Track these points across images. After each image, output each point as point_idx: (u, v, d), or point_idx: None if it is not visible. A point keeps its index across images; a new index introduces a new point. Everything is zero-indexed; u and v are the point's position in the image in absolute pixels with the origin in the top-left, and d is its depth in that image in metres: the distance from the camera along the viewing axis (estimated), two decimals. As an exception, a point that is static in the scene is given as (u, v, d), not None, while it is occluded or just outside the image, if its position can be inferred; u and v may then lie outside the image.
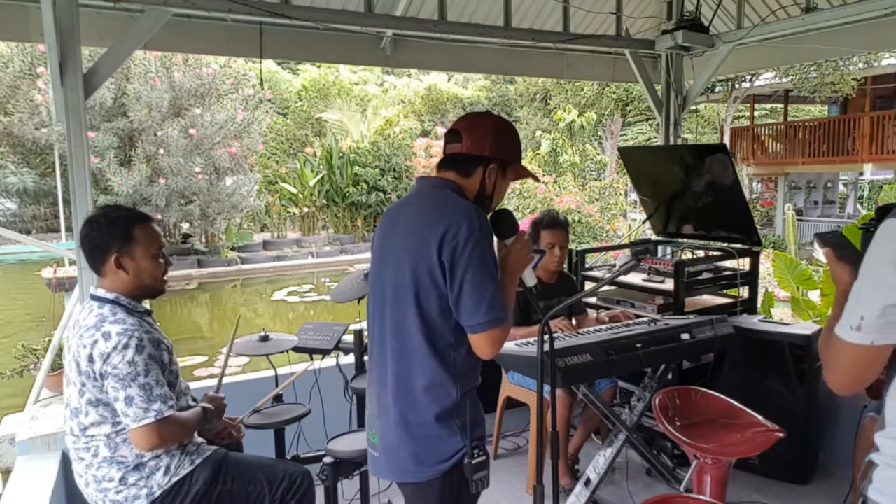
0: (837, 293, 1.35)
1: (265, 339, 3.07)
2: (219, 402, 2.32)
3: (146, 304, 2.21)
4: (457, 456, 1.69)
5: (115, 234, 2.03)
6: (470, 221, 1.62)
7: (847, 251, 1.36)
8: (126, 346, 1.93)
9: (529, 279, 1.83)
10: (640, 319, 3.16)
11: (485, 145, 1.77)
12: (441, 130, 19.89)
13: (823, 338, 1.30)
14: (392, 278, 1.73)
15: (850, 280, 1.29)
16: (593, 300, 3.91)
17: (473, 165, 1.77)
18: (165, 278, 2.17)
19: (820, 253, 8.23)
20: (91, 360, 1.94)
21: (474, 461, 1.67)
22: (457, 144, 1.79)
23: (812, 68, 15.12)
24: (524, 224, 4.86)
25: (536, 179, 2.14)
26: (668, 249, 4.50)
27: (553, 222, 3.38)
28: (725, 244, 3.98)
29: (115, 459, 2.01)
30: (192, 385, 2.95)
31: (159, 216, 14.59)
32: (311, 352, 3.26)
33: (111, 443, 2.01)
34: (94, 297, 2.07)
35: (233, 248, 15.90)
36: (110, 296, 2.04)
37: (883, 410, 1.27)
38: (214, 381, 2.87)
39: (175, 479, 2.05)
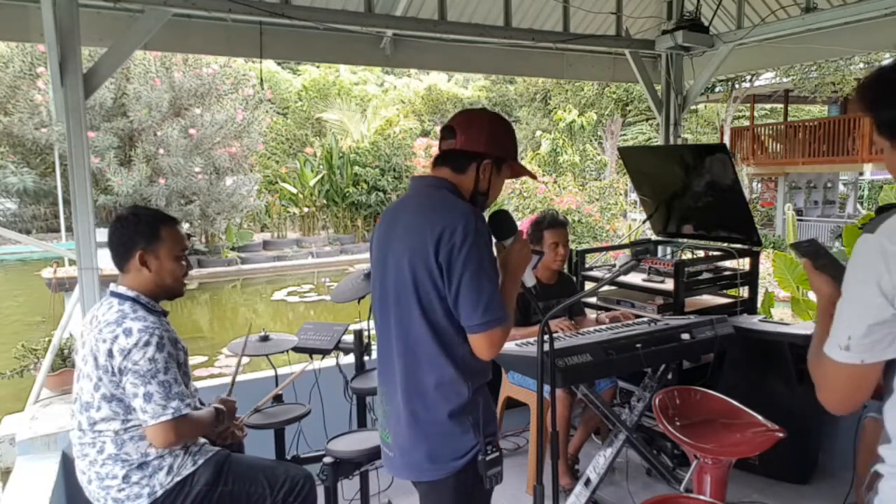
0: (819, 306, 1.32)
1: (265, 339, 3.07)
2: (231, 405, 2.35)
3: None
4: (471, 453, 1.69)
5: (142, 232, 2.08)
6: (466, 222, 1.62)
7: (825, 260, 1.34)
8: (147, 343, 1.96)
9: (528, 279, 1.84)
10: (640, 319, 3.16)
11: (479, 141, 1.76)
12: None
13: (812, 356, 1.28)
14: (394, 280, 1.73)
15: (830, 291, 1.28)
16: (593, 300, 3.92)
17: (467, 162, 1.77)
18: (185, 281, 2.20)
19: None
20: (111, 354, 1.96)
21: (488, 458, 1.68)
22: (451, 140, 1.78)
23: (812, 68, 15.13)
24: (523, 224, 4.86)
25: (534, 177, 2.13)
26: (668, 249, 4.50)
27: (555, 221, 3.41)
28: (725, 244, 3.98)
29: (120, 457, 2.02)
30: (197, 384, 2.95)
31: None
32: (311, 352, 3.26)
33: (118, 439, 2.02)
34: (115, 294, 2.09)
35: (233, 248, 15.90)
36: (131, 293, 2.08)
37: (885, 423, 1.26)
38: (215, 382, 2.89)
39: (177, 478, 2.06)
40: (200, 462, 2.11)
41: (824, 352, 1.22)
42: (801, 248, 1.38)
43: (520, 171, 1.88)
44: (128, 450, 2.02)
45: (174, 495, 2.05)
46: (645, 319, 3.12)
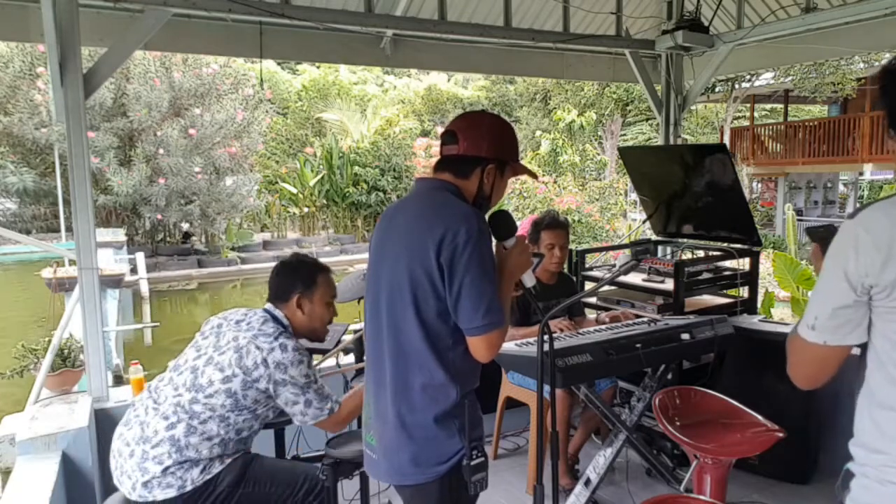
0: None
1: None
2: None
3: None
4: (455, 457, 1.68)
5: (301, 277, 2.31)
6: (469, 225, 1.62)
7: None
8: (300, 361, 2.18)
9: (528, 280, 1.83)
10: (640, 319, 3.16)
11: (481, 146, 1.76)
12: (441, 130, 19.88)
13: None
14: (389, 279, 1.73)
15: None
16: (593, 300, 3.91)
17: (471, 167, 1.76)
18: (329, 326, 2.43)
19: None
20: (265, 364, 2.12)
21: (473, 463, 1.67)
22: (453, 146, 1.77)
23: (812, 68, 15.13)
24: (523, 224, 4.84)
25: (535, 177, 2.13)
26: (668, 249, 4.50)
27: (554, 223, 3.38)
28: (725, 244, 3.98)
29: (179, 444, 2.07)
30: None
31: (159, 216, 14.60)
32: (311, 352, 3.25)
33: (191, 426, 2.09)
34: (272, 315, 2.28)
35: (233, 248, 15.90)
36: (285, 322, 2.29)
37: (855, 419, 1.28)
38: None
39: (207, 477, 2.11)
40: (228, 462, 2.16)
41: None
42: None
43: (521, 171, 1.88)
44: (191, 440, 2.09)
45: (198, 493, 2.09)
46: (645, 319, 3.12)
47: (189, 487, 2.07)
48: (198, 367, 2.16)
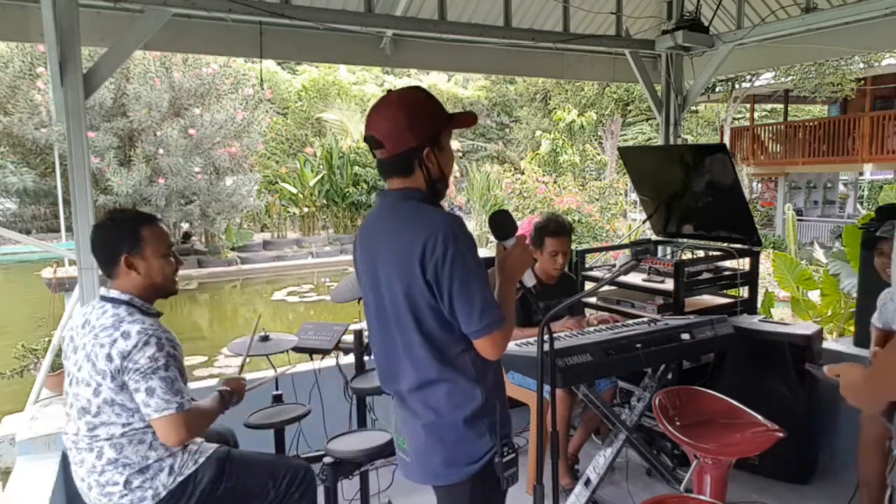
0: (873, 374, 1.40)
1: (265, 339, 3.07)
2: (240, 385, 2.36)
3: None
4: (487, 456, 1.69)
5: (123, 237, 2.06)
6: (444, 233, 1.58)
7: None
8: (146, 344, 1.96)
9: (529, 280, 1.83)
10: (640, 319, 3.15)
11: (404, 137, 1.64)
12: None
13: (875, 350, 1.33)
14: (391, 302, 1.70)
15: (858, 373, 1.39)
16: (593, 300, 3.91)
17: (408, 162, 1.66)
18: (176, 278, 2.18)
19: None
20: (110, 358, 1.95)
21: (505, 459, 1.70)
22: (381, 150, 1.67)
23: (812, 68, 15.12)
24: (524, 225, 4.83)
25: (474, 119, 1.82)
26: (668, 249, 4.50)
27: (560, 229, 3.31)
28: (725, 244, 3.98)
29: (120, 461, 2.00)
30: (193, 385, 2.96)
31: (159, 216, 14.58)
32: (311, 352, 3.26)
33: (117, 444, 2.00)
34: (107, 299, 2.07)
35: (233, 248, 15.89)
36: (124, 297, 2.06)
37: None
38: (214, 382, 2.89)
39: (180, 478, 2.06)
40: (202, 460, 2.12)
41: None
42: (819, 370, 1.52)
43: (460, 124, 1.76)
44: (127, 453, 2.01)
45: (178, 495, 2.05)
46: (645, 319, 3.12)
47: (163, 493, 2.03)
48: (74, 393, 2.03)
